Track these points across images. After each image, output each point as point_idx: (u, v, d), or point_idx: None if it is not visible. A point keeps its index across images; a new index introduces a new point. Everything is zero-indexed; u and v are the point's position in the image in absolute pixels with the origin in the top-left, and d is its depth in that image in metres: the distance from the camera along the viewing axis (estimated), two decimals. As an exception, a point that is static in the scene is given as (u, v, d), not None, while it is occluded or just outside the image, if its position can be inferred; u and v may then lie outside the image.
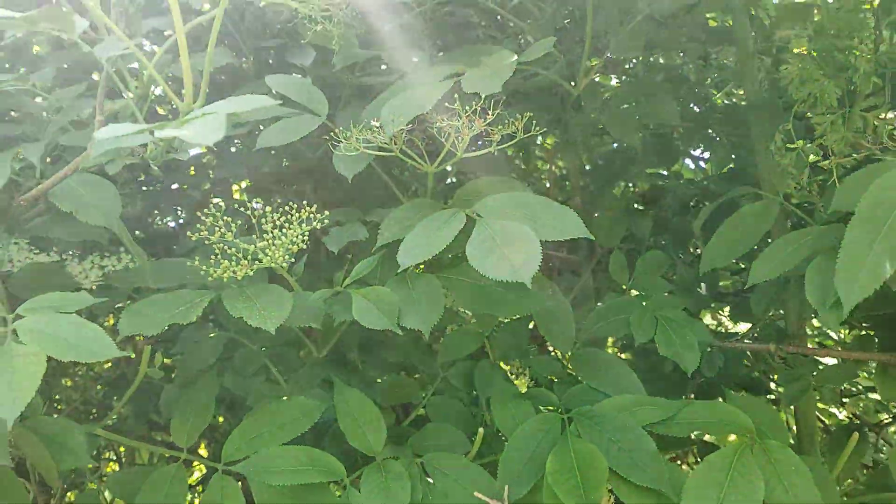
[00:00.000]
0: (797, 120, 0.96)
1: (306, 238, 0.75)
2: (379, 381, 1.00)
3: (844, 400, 1.51)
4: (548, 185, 1.57)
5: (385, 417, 0.84)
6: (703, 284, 1.20)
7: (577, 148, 1.24)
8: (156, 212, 1.41)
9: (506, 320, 0.97)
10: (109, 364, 1.36)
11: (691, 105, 1.32)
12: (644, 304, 0.93)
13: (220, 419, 1.35)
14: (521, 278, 0.59)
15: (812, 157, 0.93)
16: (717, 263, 0.88)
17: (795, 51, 1.05)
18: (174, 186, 1.37)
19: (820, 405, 1.56)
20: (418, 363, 1.00)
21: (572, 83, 1.01)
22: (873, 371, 0.94)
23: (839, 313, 0.66)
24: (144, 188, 1.34)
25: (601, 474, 0.66)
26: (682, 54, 1.33)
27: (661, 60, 1.35)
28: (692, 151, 1.45)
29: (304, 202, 0.77)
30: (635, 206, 1.33)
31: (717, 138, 1.31)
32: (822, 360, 1.06)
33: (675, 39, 1.12)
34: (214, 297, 0.72)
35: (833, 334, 1.42)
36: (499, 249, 0.62)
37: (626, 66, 1.22)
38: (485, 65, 0.77)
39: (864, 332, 0.99)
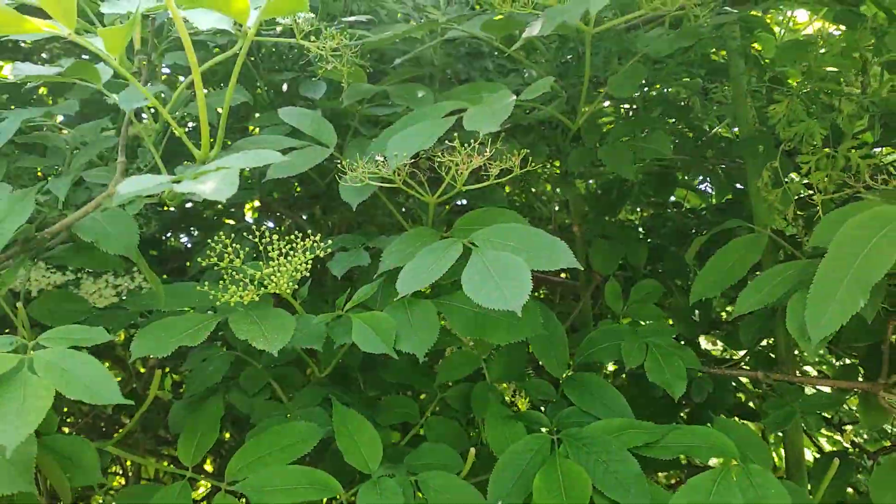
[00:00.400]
0: (788, 156, 0.99)
1: (309, 266, 0.79)
2: (379, 400, 1.04)
3: (846, 427, 1.53)
4: (556, 207, 1.61)
5: (387, 436, 0.87)
6: (696, 312, 1.23)
7: (575, 179, 1.28)
8: (170, 231, 1.46)
9: (503, 344, 1.00)
10: (120, 379, 1.40)
11: (691, 135, 1.36)
12: (637, 330, 0.96)
13: (227, 435, 1.39)
14: (512, 307, 0.63)
15: (803, 192, 0.97)
16: (707, 293, 0.91)
17: (794, 83, 1.09)
18: (188, 205, 1.42)
19: (825, 432, 1.59)
20: (417, 384, 1.04)
21: (573, 116, 1.06)
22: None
23: (819, 344, 0.69)
24: (159, 209, 1.38)
25: (585, 493, 0.69)
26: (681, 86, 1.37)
27: (667, 91, 1.40)
28: (696, 182, 1.50)
29: (309, 231, 0.81)
30: (635, 233, 1.37)
31: (713, 170, 1.35)
32: (821, 387, 1.09)
33: (673, 75, 1.16)
34: (221, 319, 0.76)
35: (833, 361, 1.45)
36: (492, 280, 0.66)
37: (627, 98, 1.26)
38: (486, 103, 0.81)
39: (849, 362, 1.01)
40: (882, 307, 0.79)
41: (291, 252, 0.78)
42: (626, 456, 0.73)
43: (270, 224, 1.51)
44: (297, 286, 0.80)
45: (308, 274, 0.79)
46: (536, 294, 1.52)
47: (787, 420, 0.92)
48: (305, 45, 0.86)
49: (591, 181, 1.46)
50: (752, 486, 0.73)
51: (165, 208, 1.39)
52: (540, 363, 0.95)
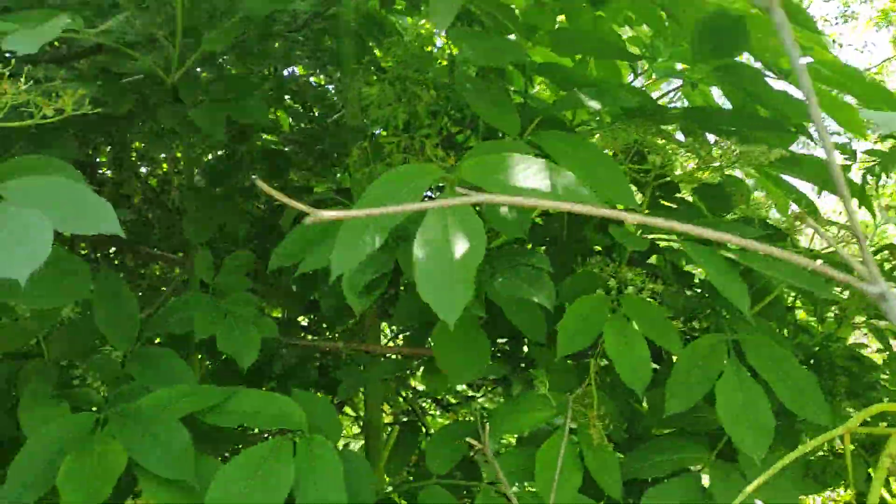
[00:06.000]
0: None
1: None
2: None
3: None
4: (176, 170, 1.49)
5: None
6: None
7: (169, 140, 1.20)
8: None
9: (71, 315, 0.89)
10: None
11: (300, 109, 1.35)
12: (218, 301, 0.92)
13: None
14: (15, 274, 0.51)
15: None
16: (283, 262, 0.87)
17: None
18: None
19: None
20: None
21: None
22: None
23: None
24: None
25: (113, 472, 0.62)
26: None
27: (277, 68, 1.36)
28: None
29: None
30: (232, 203, 1.31)
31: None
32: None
33: (282, 49, 1.14)
34: None
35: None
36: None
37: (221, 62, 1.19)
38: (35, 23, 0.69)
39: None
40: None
41: None
42: (174, 426, 0.68)
43: None
44: None
45: None
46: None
47: (358, 384, 0.95)
48: None
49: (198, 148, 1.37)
50: (312, 457, 0.71)
51: None
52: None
